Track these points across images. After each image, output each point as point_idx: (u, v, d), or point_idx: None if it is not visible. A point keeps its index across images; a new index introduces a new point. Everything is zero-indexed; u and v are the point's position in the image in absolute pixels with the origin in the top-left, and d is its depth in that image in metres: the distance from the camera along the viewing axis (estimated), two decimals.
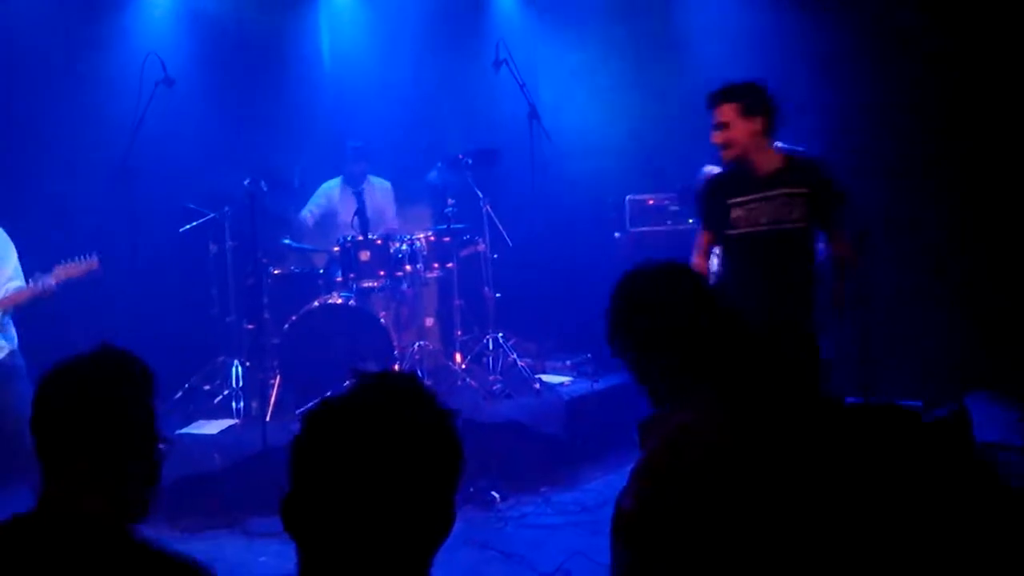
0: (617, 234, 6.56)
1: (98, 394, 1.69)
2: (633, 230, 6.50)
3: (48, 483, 1.68)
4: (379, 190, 6.67)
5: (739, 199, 3.85)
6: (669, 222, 6.46)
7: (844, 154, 4.93)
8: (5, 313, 4.22)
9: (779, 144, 4.01)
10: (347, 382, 1.27)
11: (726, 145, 3.86)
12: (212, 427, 5.37)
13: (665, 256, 1.98)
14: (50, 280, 4.20)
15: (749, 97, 3.80)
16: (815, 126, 5.09)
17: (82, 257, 4.24)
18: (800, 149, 4.20)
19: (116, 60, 6.04)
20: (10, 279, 4.24)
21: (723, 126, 3.83)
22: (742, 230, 3.85)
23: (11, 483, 4.22)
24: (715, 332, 1.86)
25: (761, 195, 3.82)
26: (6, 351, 4.26)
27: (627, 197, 6.52)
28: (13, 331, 4.32)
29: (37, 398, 1.71)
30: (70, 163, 5.78)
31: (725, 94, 3.84)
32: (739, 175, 3.90)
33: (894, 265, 5.39)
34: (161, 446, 1.76)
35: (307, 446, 1.22)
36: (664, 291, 1.89)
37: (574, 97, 7.00)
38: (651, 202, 6.52)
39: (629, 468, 1.74)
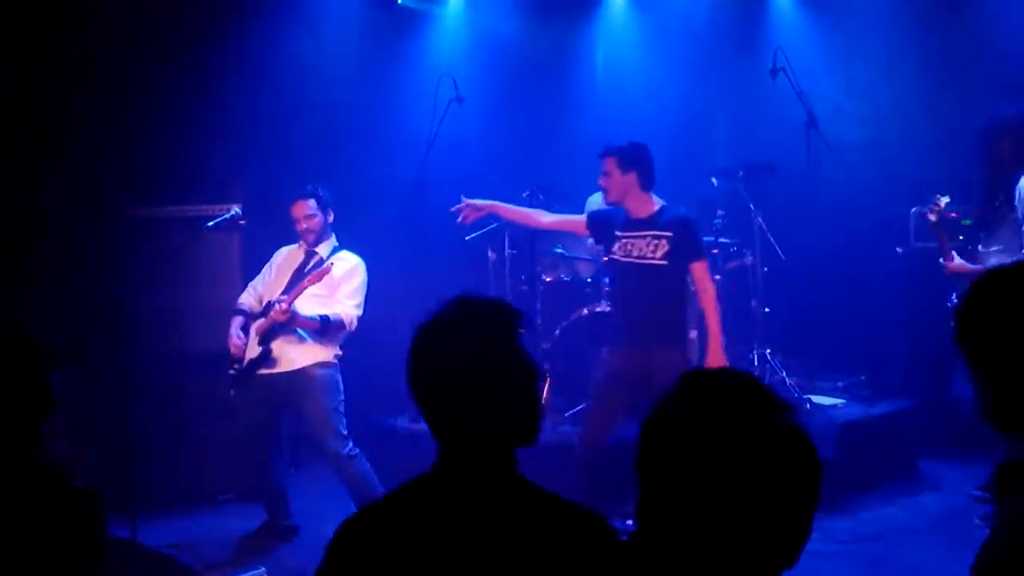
0: (899, 249, 6.19)
1: (485, 339, 1.69)
2: (917, 245, 6.09)
3: (443, 439, 1.65)
4: None
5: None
6: (961, 237, 5.98)
7: None
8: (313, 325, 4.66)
9: None
10: (687, 381, 1.17)
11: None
12: None
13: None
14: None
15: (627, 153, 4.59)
16: None
17: None
18: None
19: (414, 81, 6.61)
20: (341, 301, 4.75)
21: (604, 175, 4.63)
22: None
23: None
24: None
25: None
26: (311, 360, 4.69)
27: (912, 209, 6.14)
28: (332, 341, 4.77)
29: (418, 354, 1.70)
30: (373, 176, 6.40)
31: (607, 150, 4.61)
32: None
33: None
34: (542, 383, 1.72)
35: (656, 450, 1.13)
36: None
37: (854, 105, 6.67)
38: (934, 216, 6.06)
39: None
